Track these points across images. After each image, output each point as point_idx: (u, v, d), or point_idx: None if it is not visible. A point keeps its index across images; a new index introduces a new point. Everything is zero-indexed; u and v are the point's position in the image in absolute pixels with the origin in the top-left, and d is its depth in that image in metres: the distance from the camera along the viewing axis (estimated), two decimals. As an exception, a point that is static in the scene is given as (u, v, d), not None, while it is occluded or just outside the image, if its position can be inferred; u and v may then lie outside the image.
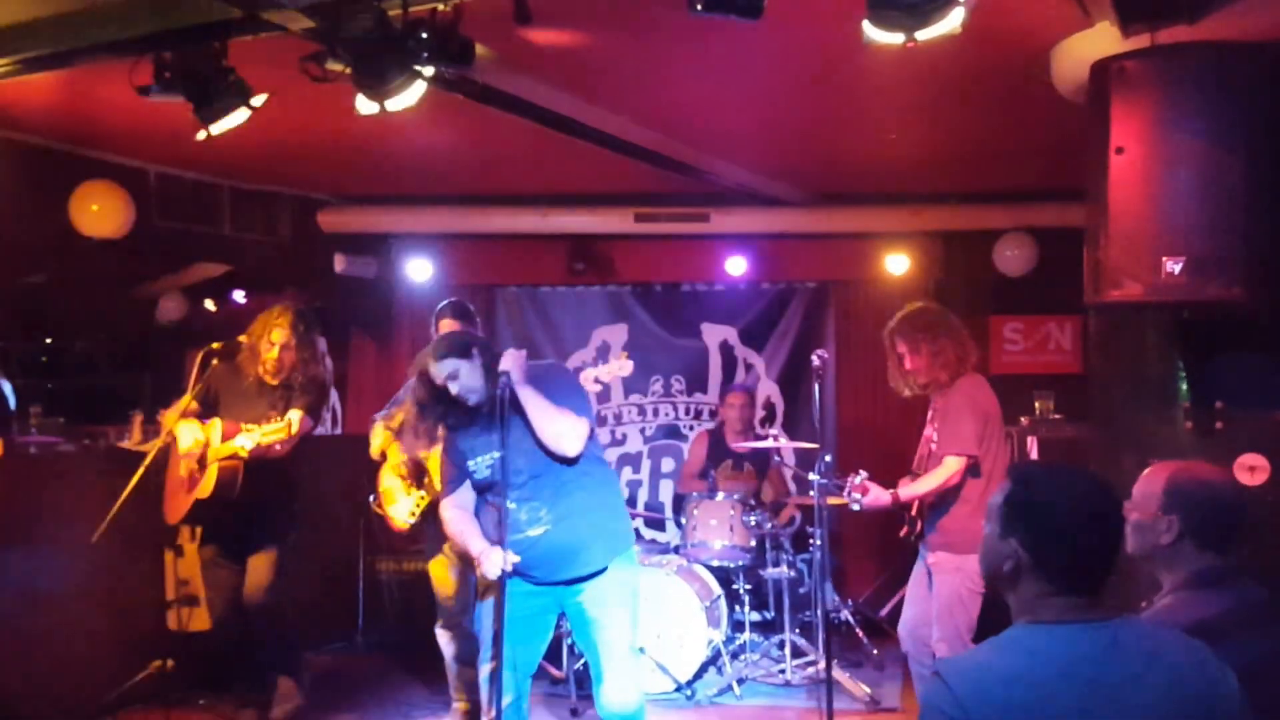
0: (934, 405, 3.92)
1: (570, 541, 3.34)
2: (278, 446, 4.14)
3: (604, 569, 3.38)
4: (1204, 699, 1.60)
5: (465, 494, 3.42)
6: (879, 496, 3.80)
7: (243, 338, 4.39)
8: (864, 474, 3.83)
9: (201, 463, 4.24)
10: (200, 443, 4.25)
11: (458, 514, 3.41)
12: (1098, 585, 1.66)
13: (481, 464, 3.33)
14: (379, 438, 4.46)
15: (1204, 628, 1.94)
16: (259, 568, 4.39)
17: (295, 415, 4.18)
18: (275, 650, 4.49)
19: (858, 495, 3.80)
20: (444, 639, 4.46)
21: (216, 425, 4.24)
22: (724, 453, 5.94)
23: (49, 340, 7.03)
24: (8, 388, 5.28)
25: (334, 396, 6.53)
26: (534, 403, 3.26)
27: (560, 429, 3.27)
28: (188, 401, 4.26)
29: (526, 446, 3.31)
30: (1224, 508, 2.15)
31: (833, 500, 5.35)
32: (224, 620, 4.43)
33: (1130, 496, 2.19)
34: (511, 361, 3.27)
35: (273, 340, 4.34)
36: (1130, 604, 2.13)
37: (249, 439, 4.11)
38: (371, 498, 4.53)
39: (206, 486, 4.20)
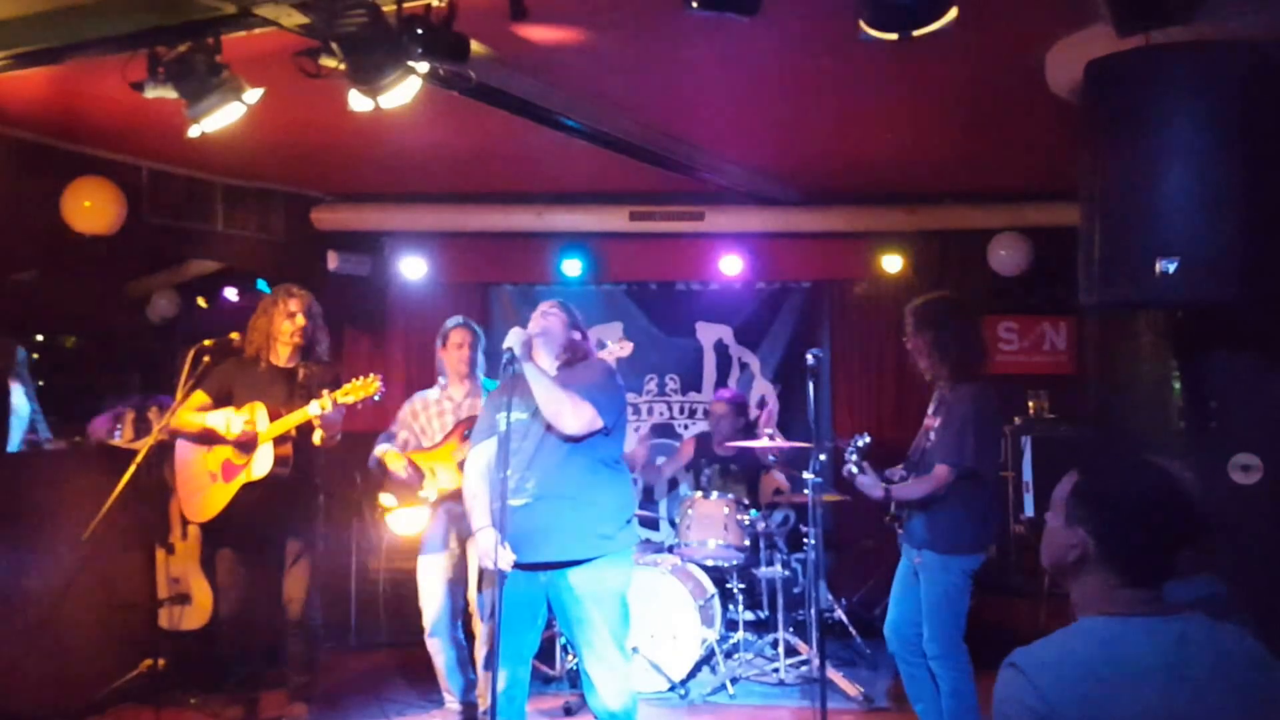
0: (940, 397, 3.90)
1: (546, 522, 3.37)
2: (337, 431, 4.17)
3: (579, 562, 3.39)
4: (1269, 696, 1.60)
5: (490, 449, 3.51)
6: (873, 487, 3.79)
7: (234, 334, 4.37)
8: (868, 438, 3.82)
9: (244, 448, 4.20)
10: (250, 424, 4.19)
11: (477, 468, 3.54)
12: (1163, 578, 1.65)
13: (502, 419, 3.43)
14: (377, 449, 4.47)
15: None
16: (298, 579, 4.38)
17: (371, 377, 4.14)
18: (300, 659, 4.48)
19: (856, 460, 3.77)
20: (434, 646, 4.46)
21: (260, 409, 4.21)
22: (712, 458, 5.94)
23: (40, 337, 6.99)
24: (23, 395, 5.22)
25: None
26: (536, 377, 3.38)
27: (557, 406, 3.37)
28: (183, 399, 4.23)
29: (538, 419, 3.44)
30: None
31: (828, 498, 5.37)
32: (232, 616, 4.39)
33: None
34: (516, 338, 3.40)
35: (291, 310, 4.35)
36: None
37: (318, 405, 4.05)
38: (379, 510, 4.54)
39: (260, 467, 4.15)
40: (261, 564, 4.40)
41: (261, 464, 4.17)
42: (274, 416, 4.19)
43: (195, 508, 4.38)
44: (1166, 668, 1.57)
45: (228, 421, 4.22)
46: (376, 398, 4.10)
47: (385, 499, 4.50)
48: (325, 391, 4.08)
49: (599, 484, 3.46)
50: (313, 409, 4.07)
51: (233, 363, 4.37)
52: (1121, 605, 1.63)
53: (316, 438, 4.23)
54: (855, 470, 3.77)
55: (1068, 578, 1.70)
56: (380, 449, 4.46)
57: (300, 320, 4.35)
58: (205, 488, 4.32)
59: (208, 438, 4.27)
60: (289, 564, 4.39)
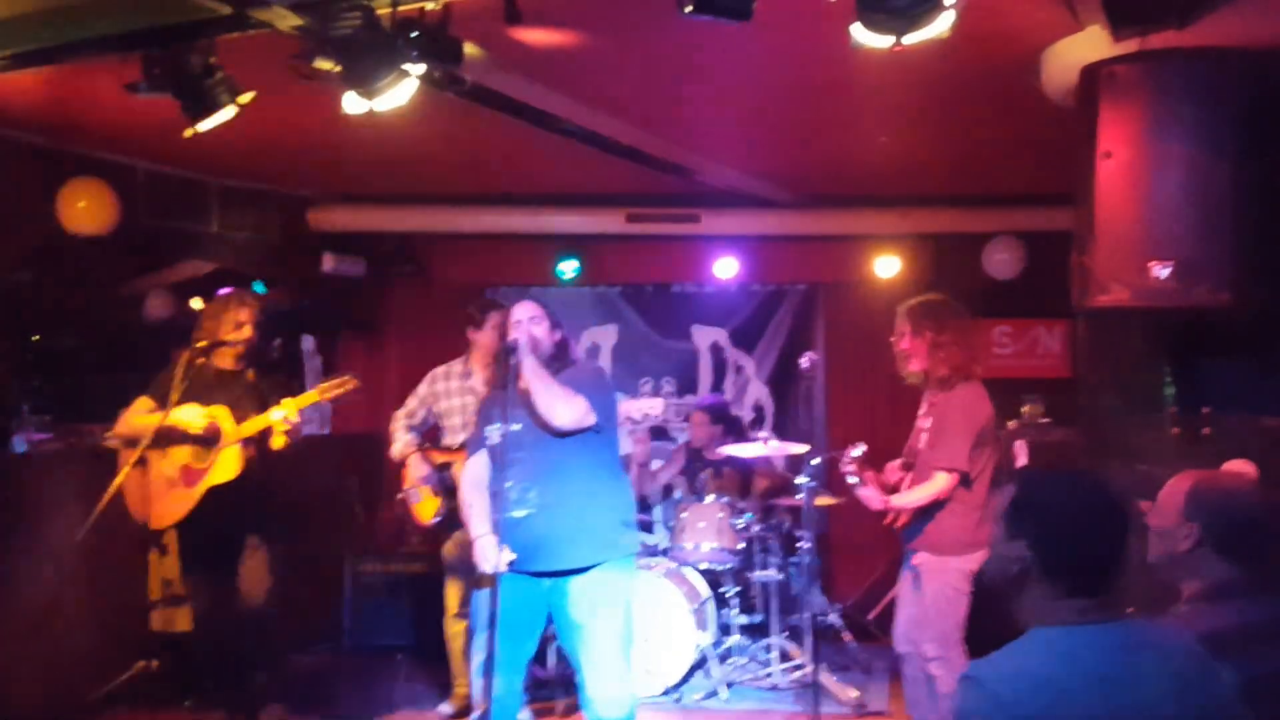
0: (930, 399, 3.88)
1: (551, 531, 3.35)
2: (300, 435, 4.13)
3: (585, 569, 3.37)
4: (1207, 704, 1.63)
5: (483, 459, 3.49)
6: (872, 498, 3.80)
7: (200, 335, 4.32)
8: (863, 447, 3.80)
9: (205, 448, 4.12)
10: (203, 426, 4.11)
11: (472, 482, 3.52)
12: (1104, 587, 1.68)
13: (494, 431, 3.39)
14: (400, 442, 4.46)
15: (1218, 640, 1.94)
16: (254, 573, 4.30)
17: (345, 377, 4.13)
18: (261, 654, 4.41)
19: (853, 470, 3.76)
20: (456, 629, 4.46)
21: (225, 411, 4.14)
22: (703, 463, 5.93)
23: (35, 338, 6.98)
24: None
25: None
26: (533, 370, 3.36)
27: (550, 396, 3.35)
28: (177, 400, 4.20)
29: (532, 427, 3.40)
30: (1245, 517, 2.15)
31: (821, 502, 5.36)
32: (205, 626, 4.37)
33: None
34: (521, 331, 3.41)
35: (240, 321, 4.31)
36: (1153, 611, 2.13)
37: (282, 412, 4.00)
38: (400, 496, 4.54)
39: (227, 469, 4.06)
40: (227, 571, 4.29)
41: (229, 467, 4.07)
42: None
43: (157, 514, 4.23)
44: (1112, 673, 1.61)
45: (195, 418, 4.14)
46: (351, 385, 4.09)
47: (412, 494, 4.49)
48: (289, 399, 4.03)
49: (600, 489, 3.45)
50: (276, 415, 4.02)
51: (178, 367, 4.22)
52: (1064, 615, 1.67)
53: (279, 442, 4.11)
54: (857, 481, 3.77)
55: (1012, 591, 1.74)
56: (404, 442, 4.47)
57: (246, 332, 4.30)
58: (163, 494, 4.20)
59: (168, 437, 4.14)
60: (245, 560, 4.29)
